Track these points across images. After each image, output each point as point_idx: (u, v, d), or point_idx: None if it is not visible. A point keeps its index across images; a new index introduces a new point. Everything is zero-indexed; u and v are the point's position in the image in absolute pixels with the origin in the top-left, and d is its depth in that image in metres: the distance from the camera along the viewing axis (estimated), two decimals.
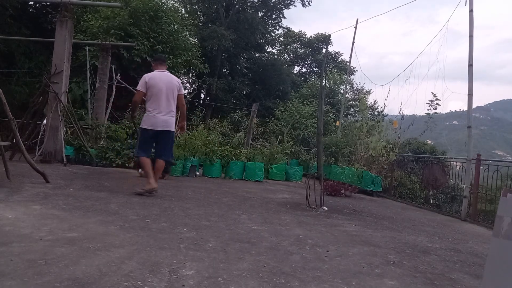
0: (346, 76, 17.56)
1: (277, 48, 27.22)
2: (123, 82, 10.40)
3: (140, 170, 6.40)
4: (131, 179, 6.08)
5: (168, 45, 12.61)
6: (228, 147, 8.85)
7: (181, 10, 18.74)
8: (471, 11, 6.03)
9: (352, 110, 20.31)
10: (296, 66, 28.69)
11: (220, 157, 8.15)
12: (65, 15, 7.27)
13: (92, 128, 8.70)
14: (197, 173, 7.80)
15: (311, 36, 28.04)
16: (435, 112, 7.99)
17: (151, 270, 2.08)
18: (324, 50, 27.53)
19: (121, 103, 11.21)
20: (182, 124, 5.32)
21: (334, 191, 7.05)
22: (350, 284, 2.21)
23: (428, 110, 8.02)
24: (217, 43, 18.27)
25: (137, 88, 4.87)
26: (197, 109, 16.31)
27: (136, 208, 3.75)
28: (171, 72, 5.39)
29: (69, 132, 8.28)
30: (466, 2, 6.12)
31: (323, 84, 13.27)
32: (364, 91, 19.67)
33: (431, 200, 8.17)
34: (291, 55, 28.75)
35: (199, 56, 14.98)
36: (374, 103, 18.29)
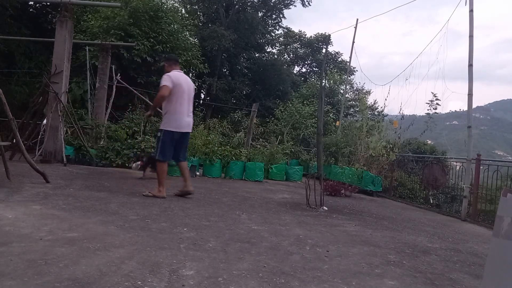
0: (346, 76, 17.56)
1: (277, 48, 27.25)
2: (123, 82, 10.40)
3: (145, 171, 6.37)
4: (131, 179, 6.08)
5: (168, 45, 12.60)
6: (228, 147, 8.86)
7: (181, 10, 18.75)
8: (471, 11, 6.03)
9: (352, 110, 20.30)
10: (296, 66, 28.72)
11: (220, 157, 8.15)
12: (65, 15, 7.27)
13: (92, 128, 8.71)
14: (197, 173, 7.81)
15: (311, 36, 28.06)
16: (435, 112, 8.00)
17: (151, 270, 2.08)
18: (324, 50, 27.55)
19: (121, 103, 11.22)
20: None
21: (334, 191, 7.05)
22: (350, 284, 2.21)
23: (428, 110, 8.03)
24: (217, 43, 18.27)
25: (164, 84, 4.52)
26: (197, 109, 16.31)
27: (136, 208, 3.75)
28: None
29: (69, 132, 8.28)
30: (466, 2, 6.12)
31: (323, 84, 13.29)
32: (364, 91, 19.69)
33: (431, 200, 8.17)
34: (291, 55, 28.76)
35: (199, 56, 14.98)
36: (374, 103, 18.30)
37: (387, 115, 11.32)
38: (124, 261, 2.17)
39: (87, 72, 10.37)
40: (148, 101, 11.07)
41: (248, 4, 21.96)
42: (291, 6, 22.58)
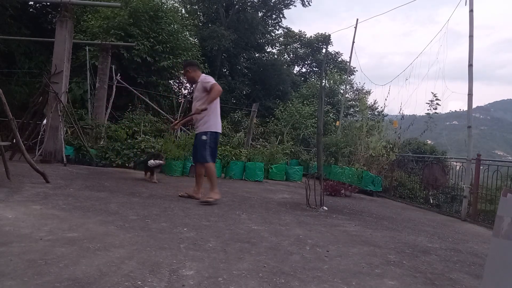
0: (346, 76, 17.56)
1: (277, 48, 27.25)
2: (123, 82, 10.41)
3: (152, 175, 6.21)
4: (131, 179, 6.08)
5: (168, 45, 12.61)
6: (228, 147, 8.85)
7: (181, 10, 18.76)
8: (471, 11, 6.02)
9: (352, 110, 20.30)
10: (296, 66, 28.72)
11: (220, 157, 8.15)
12: (65, 15, 7.28)
13: (92, 128, 8.70)
14: None
15: (311, 36, 28.07)
16: (435, 112, 7.99)
17: (151, 270, 2.08)
18: (324, 50, 27.55)
19: (121, 103, 11.23)
20: (188, 119, 5.38)
21: (334, 191, 7.05)
22: (350, 284, 2.21)
23: (428, 110, 8.01)
24: (217, 43, 18.27)
25: (215, 82, 4.56)
26: None
27: (136, 208, 3.75)
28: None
29: (69, 132, 8.28)
30: (466, 2, 6.11)
31: (323, 84, 13.27)
32: (364, 91, 19.71)
33: (431, 200, 8.16)
34: (291, 55, 28.77)
35: (199, 56, 14.98)
36: (374, 103, 18.30)
37: (387, 115, 11.32)
38: (124, 261, 2.17)
39: (87, 72, 10.37)
40: (148, 101, 11.08)
41: (248, 4, 21.97)
42: (291, 6, 22.64)
